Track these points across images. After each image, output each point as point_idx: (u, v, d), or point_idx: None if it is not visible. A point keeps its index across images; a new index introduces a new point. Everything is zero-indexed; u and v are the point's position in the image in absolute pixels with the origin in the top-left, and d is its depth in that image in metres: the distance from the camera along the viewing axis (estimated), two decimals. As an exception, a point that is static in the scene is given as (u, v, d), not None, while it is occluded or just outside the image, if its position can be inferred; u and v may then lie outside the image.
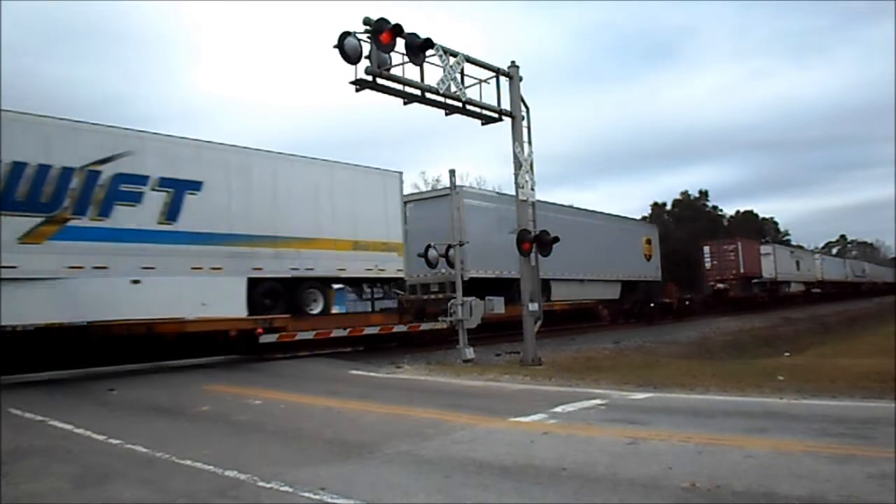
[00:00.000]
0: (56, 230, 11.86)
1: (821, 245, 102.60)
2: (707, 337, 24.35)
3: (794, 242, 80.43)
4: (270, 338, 14.88)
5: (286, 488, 4.99)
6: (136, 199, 12.84)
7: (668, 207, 75.57)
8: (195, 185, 13.66)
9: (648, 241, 30.28)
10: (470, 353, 15.14)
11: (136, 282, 12.62)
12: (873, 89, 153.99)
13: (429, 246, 16.13)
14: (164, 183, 13.22)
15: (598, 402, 8.82)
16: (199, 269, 12.99)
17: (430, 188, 39.25)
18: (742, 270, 39.21)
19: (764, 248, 43.67)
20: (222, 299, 12.31)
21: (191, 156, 13.81)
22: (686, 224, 50.10)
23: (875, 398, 8.43)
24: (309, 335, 15.70)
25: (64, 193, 11.93)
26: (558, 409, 8.21)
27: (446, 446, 6.35)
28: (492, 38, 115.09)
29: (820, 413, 7.52)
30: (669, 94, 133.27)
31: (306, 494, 4.82)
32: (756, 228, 76.83)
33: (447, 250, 16.04)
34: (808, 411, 7.70)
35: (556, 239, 14.72)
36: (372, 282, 17.53)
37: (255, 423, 8.04)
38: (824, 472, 4.98)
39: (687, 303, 34.82)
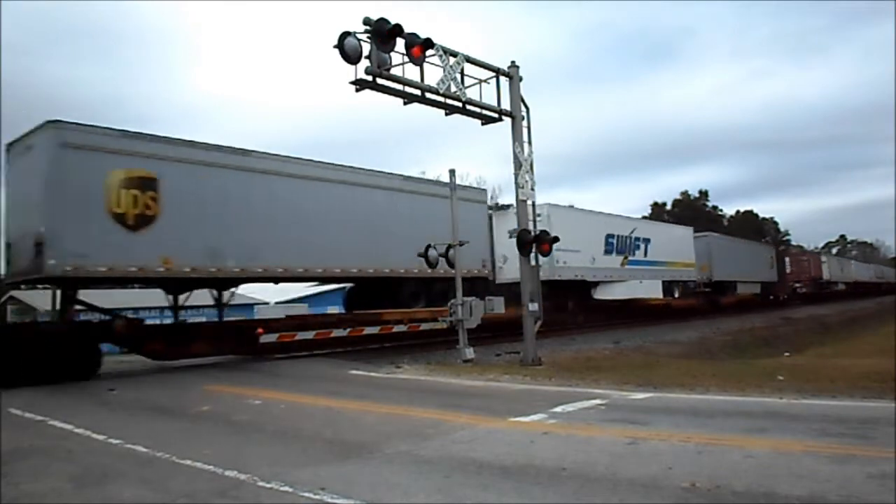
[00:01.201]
0: (626, 262, 29.07)
1: (821, 245, 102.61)
2: (707, 337, 24.31)
3: (794, 242, 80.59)
4: (271, 338, 15.21)
5: (286, 488, 4.99)
6: (637, 248, 30.00)
7: (668, 207, 75.75)
8: (648, 240, 30.69)
9: (771, 256, 49.50)
10: (470, 353, 15.12)
11: (640, 282, 32.05)
12: (873, 89, 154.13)
13: (429, 246, 16.39)
14: (642, 240, 30.05)
15: (598, 402, 8.83)
16: (651, 277, 31.01)
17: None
18: (812, 274, 54.72)
19: (823, 258, 60.02)
20: (656, 291, 30.25)
21: (649, 228, 32.43)
22: (687, 224, 51.31)
23: (875, 398, 8.44)
24: (309, 335, 16.08)
25: (626, 246, 29.13)
26: (558, 409, 8.22)
27: (446, 446, 6.36)
28: (492, 38, 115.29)
29: (820, 413, 7.53)
30: (669, 94, 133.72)
31: (306, 494, 4.83)
32: (756, 228, 76.93)
33: (447, 251, 16.06)
34: (808, 411, 7.71)
35: (556, 239, 15.22)
36: (685, 283, 37.35)
37: (255, 423, 8.05)
38: (824, 472, 4.99)
39: (787, 297, 50.38)
